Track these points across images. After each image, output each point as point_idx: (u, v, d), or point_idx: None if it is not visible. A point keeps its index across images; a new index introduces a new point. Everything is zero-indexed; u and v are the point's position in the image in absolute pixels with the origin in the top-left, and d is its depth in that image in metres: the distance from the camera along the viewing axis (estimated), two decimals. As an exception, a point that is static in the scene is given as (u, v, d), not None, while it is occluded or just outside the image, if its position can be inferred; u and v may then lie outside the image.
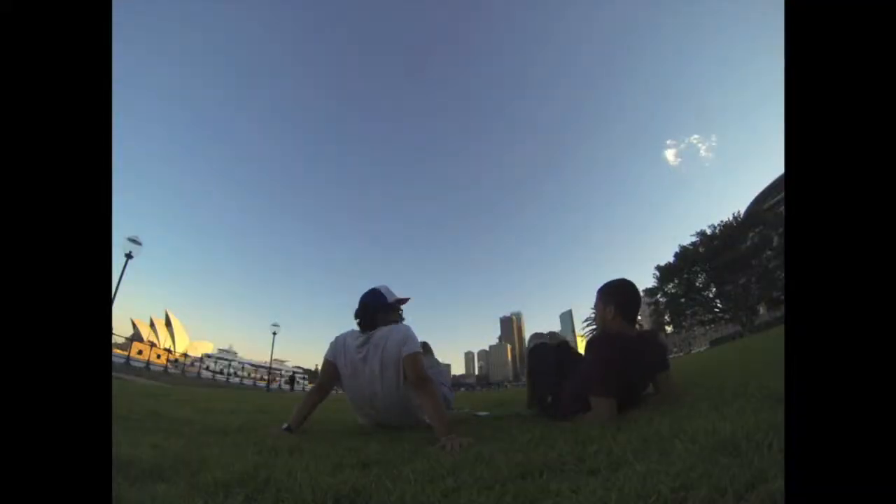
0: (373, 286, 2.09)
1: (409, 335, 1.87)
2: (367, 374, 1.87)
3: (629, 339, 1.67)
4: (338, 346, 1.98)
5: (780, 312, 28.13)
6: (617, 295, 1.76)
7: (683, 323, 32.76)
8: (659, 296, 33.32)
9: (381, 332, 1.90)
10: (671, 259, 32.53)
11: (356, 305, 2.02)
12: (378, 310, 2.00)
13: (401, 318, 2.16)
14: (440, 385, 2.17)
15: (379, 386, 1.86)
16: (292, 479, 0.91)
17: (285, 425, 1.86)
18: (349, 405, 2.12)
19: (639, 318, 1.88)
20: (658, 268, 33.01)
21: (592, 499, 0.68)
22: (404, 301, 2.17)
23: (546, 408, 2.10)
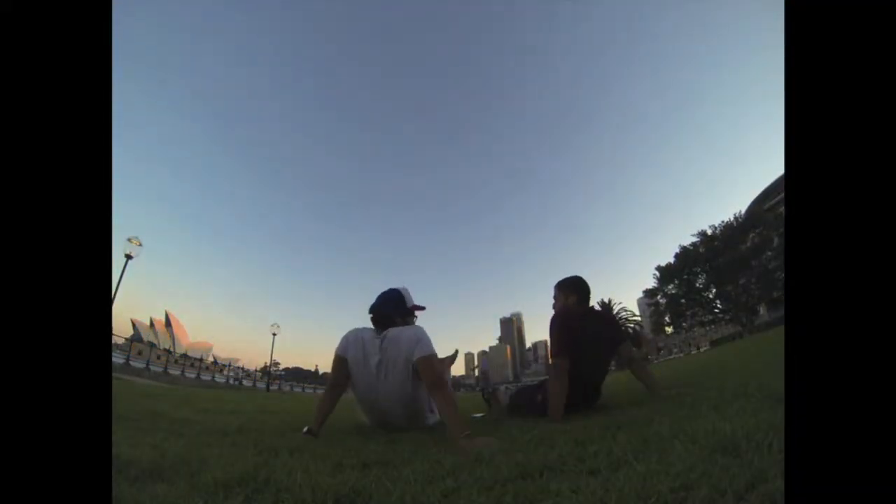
0: (391, 287, 2.12)
1: (422, 336, 1.86)
2: (376, 371, 1.86)
3: (582, 313, 2.06)
4: (349, 341, 1.95)
5: (780, 313, 28.11)
6: (573, 285, 2.15)
7: (683, 324, 32.73)
8: (659, 296, 33.30)
9: (394, 331, 1.90)
10: (671, 259, 32.52)
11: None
12: (396, 310, 2.02)
13: (414, 320, 2.17)
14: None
15: (387, 384, 1.86)
16: (292, 480, 0.90)
17: (306, 429, 1.81)
18: (355, 403, 2.11)
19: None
20: (658, 268, 33.00)
21: (592, 499, 0.68)
22: (421, 308, 2.20)
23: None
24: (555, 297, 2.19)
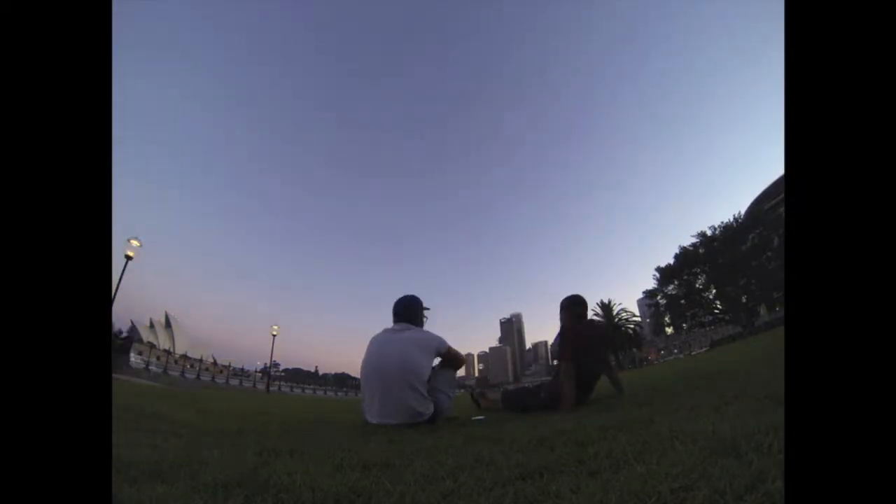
0: (406, 294, 2.59)
1: (436, 336, 2.37)
2: (389, 363, 2.19)
3: (581, 327, 2.72)
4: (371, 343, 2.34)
5: (780, 313, 28.07)
6: (573, 304, 2.80)
7: (683, 325, 32.70)
8: (659, 297, 33.29)
9: (411, 331, 2.34)
10: (671, 260, 32.51)
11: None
12: (414, 310, 2.49)
13: (425, 320, 2.63)
14: (439, 392, 2.35)
15: (396, 375, 2.15)
16: (292, 481, 0.90)
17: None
18: (362, 398, 2.36)
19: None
20: (658, 269, 32.98)
21: (592, 500, 0.68)
22: (427, 308, 2.68)
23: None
24: (561, 314, 2.81)
